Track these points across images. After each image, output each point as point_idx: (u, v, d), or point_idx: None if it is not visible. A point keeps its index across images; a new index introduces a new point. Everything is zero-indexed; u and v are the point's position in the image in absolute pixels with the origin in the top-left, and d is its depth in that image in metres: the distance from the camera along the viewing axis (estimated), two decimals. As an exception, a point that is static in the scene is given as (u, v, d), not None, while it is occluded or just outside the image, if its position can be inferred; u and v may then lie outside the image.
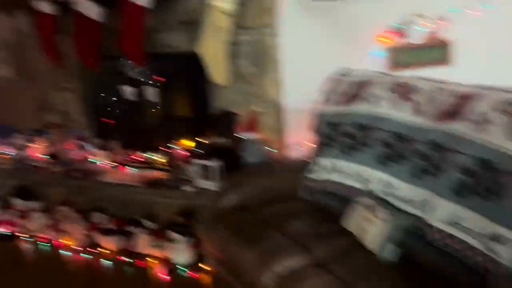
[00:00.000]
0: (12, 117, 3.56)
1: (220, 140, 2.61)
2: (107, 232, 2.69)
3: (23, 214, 3.00)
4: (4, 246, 2.92)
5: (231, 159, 2.45)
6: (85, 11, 2.60)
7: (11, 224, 3.01)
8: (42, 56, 3.13)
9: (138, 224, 2.65)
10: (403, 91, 1.70)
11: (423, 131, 1.52)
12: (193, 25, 2.54)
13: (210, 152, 2.61)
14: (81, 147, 3.08)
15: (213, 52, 2.38)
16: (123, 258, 2.56)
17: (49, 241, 2.88)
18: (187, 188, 2.58)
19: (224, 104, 2.69)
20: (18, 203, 3.01)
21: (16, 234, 2.97)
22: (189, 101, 2.93)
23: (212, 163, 2.49)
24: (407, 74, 1.93)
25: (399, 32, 2.37)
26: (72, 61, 3.06)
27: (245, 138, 2.50)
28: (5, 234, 2.98)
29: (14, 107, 3.54)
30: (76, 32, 2.68)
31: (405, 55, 2.42)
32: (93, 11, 2.60)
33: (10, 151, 3.37)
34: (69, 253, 2.74)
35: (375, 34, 2.40)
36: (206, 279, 2.31)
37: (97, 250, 2.65)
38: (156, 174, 2.85)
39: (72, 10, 2.71)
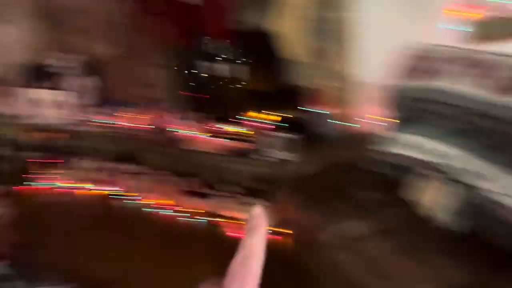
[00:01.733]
0: (113, 91, 4.02)
1: (296, 114, 2.76)
2: (194, 194, 3.01)
3: (125, 175, 3.44)
4: (107, 204, 3.40)
5: (307, 132, 2.60)
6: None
7: (114, 183, 3.48)
8: (140, 35, 3.49)
9: (222, 189, 2.93)
10: (484, 67, 1.68)
11: (506, 108, 1.50)
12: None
13: (288, 124, 2.79)
14: (172, 119, 3.42)
15: (290, 29, 2.49)
16: (206, 218, 2.88)
17: (145, 202, 3.30)
18: (266, 157, 2.78)
19: (299, 79, 2.82)
20: (120, 165, 3.45)
21: (119, 193, 3.44)
22: (267, 76, 3.12)
23: (290, 135, 2.66)
24: (492, 49, 1.88)
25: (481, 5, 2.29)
26: (166, 40, 3.37)
27: (319, 112, 2.62)
28: (109, 193, 3.46)
29: (115, 82, 3.98)
30: (170, 12, 2.94)
31: (490, 27, 2.32)
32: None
33: (112, 121, 3.84)
34: (159, 211, 3.13)
35: (453, 6, 2.34)
36: (282, 241, 2.52)
37: (185, 210, 3.00)
38: (239, 144, 3.10)
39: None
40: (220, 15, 2.68)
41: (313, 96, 2.70)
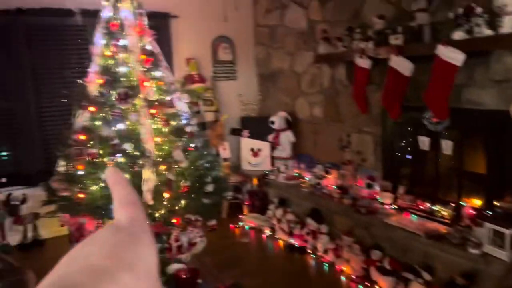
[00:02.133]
0: (316, 150, 4.24)
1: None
2: (382, 270, 2.86)
3: (313, 233, 3.52)
4: (295, 257, 3.51)
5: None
6: (397, 67, 2.88)
7: (303, 239, 3.59)
8: (350, 103, 3.64)
9: (414, 272, 2.71)
10: None
11: None
12: (506, 83, 2.47)
13: (505, 217, 2.45)
14: (369, 186, 3.38)
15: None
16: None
17: (330, 262, 3.29)
18: (473, 250, 2.48)
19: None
20: (311, 223, 3.54)
21: (305, 249, 3.53)
22: (486, 159, 2.83)
23: (506, 230, 2.33)
24: None
25: None
26: (375, 109, 3.43)
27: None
28: (297, 247, 3.57)
29: (319, 142, 4.20)
30: (386, 85, 3.00)
31: None
32: (405, 67, 2.85)
33: (310, 178, 4.02)
34: (344, 279, 3.06)
35: None
36: None
37: (371, 285, 2.86)
38: (438, 226, 2.86)
39: (381, 64, 3.08)
40: (445, 93, 2.60)
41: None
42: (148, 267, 0.29)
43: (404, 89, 2.94)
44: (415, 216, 3.04)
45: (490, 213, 2.58)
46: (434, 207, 3.00)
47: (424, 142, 2.97)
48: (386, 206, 3.26)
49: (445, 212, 2.92)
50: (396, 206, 3.23)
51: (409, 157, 3.35)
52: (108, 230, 0.31)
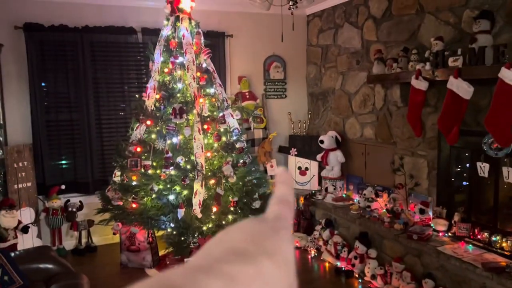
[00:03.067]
0: (366, 171, 4.15)
1: None
2: (434, 301, 2.72)
3: (361, 257, 3.42)
4: (341, 280, 3.42)
5: None
6: (456, 89, 2.79)
7: (350, 262, 3.50)
8: (403, 124, 3.55)
9: (469, 305, 2.56)
10: None
11: None
12: None
13: None
14: (422, 212, 3.25)
15: None
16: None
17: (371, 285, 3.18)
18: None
19: None
20: (359, 246, 3.45)
21: (352, 272, 3.43)
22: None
23: None
24: None
25: None
26: (430, 132, 3.33)
27: None
28: (344, 270, 3.48)
29: (370, 163, 4.11)
30: (443, 108, 2.90)
31: None
32: (465, 90, 2.75)
33: (360, 200, 3.94)
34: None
35: None
36: None
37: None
38: (497, 258, 2.70)
39: (437, 86, 2.99)
40: (506, 118, 2.48)
41: None
42: (287, 259, 0.31)
43: (462, 112, 2.83)
44: (471, 246, 2.88)
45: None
46: (493, 238, 2.84)
47: (483, 168, 2.84)
48: (439, 234, 3.12)
49: (504, 243, 2.76)
50: (450, 234, 3.08)
51: (466, 183, 3.21)
52: (253, 221, 0.33)
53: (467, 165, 3.17)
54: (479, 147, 2.83)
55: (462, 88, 2.76)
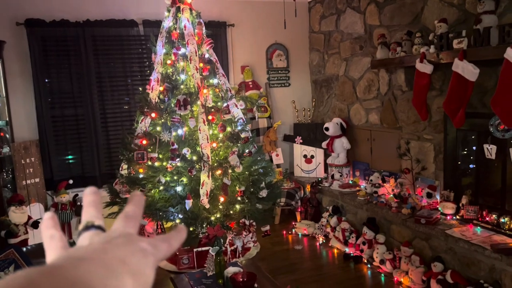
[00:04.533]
0: (372, 157, 4.14)
1: None
2: (444, 284, 2.73)
3: (369, 243, 3.43)
4: (350, 266, 3.44)
5: None
6: (461, 72, 2.76)
7: (358, 248, 3.51)
8: (409, 109, 3.53)
9: (480, 287, 2.57)
10: None
11: None
12: None
13: None
14: (430, 196, 3.25)
15: None
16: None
17: (387, 273, 3.20)
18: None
19: None
20: (367, 232, 3.46)
21: (361, 258, 3.45)
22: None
23: None
24: None
25: None
26: (436, 116, 3.31)
27: None
28: (353, 256, 3.50)
29: (376, 149, 4.10)
30: (449, 91, 2.88)
31: None
32: (470, 72, 2.73)
33: (366, 186, 3.94)
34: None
35: None
36: None
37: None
38: (506, 239, 2.69)
39: (442, 69, 2.96)
40: None
41: None
42: (147, 282, 0.34)
43: (468, 95, 2.81)
44: (480, 228, 2.88)
45: None
46: (501, 219, 2.83)
47: (490, 150, 2.82)
48: (447, 217, 3.12)
49: (513, 224, 2.75)
50: (458, 217, 3.08)
51: (473, 166, 3.19)
52: (125, 239, 0.36)
53: (474, 147, 3.15)
54: (485, 129, 2.81)
55: (467, 70, 2.74)
